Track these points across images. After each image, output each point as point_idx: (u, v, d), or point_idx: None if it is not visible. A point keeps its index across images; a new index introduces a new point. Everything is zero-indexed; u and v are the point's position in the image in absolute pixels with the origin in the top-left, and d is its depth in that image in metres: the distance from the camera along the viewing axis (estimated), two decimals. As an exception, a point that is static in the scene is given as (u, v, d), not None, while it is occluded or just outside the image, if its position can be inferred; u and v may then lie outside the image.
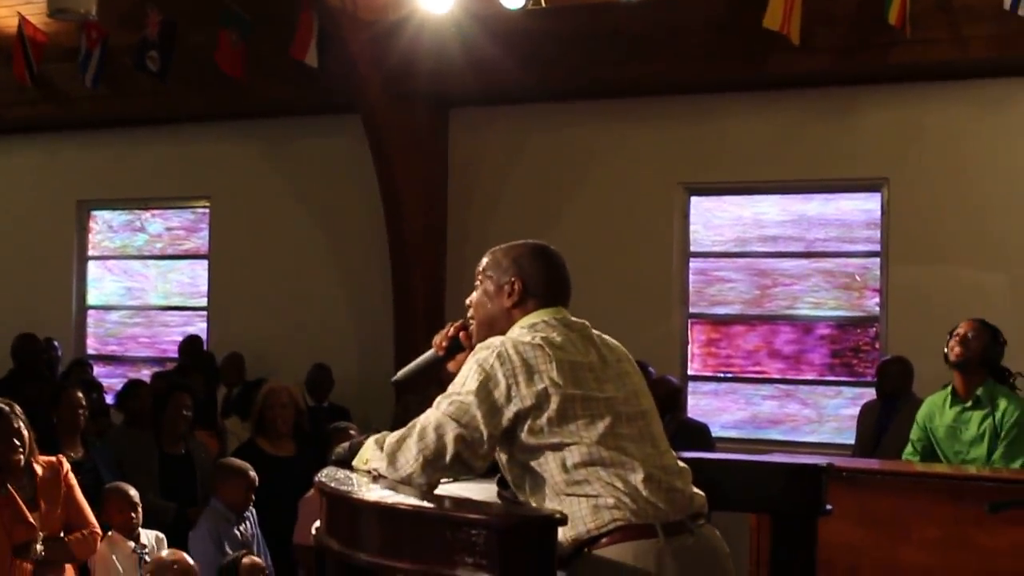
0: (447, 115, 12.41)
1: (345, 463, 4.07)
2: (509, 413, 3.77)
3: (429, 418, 3.85)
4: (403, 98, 11.70)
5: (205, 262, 13.99)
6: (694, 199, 11.61)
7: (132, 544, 7.50)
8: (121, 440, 9.39)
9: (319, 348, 12.27)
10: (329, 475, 3.93)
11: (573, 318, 4.06)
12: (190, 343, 13.06)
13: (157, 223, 14.52)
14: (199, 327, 13.89)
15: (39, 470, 7.15)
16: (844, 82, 10.83)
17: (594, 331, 4.07)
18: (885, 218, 10.86)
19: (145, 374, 13.07)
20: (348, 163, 12.52)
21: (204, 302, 13.98)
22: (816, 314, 11.25)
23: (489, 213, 12.15)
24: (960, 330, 7.76)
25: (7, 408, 7.04)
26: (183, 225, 14.33)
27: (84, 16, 11.70)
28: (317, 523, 3.98)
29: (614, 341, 4.13)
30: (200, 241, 14.11)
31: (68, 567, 7.25)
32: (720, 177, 11.47)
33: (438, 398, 3.89)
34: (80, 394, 8.73)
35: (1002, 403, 7.62)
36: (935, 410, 7.88)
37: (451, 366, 4.27)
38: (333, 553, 3.77)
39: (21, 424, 7.07)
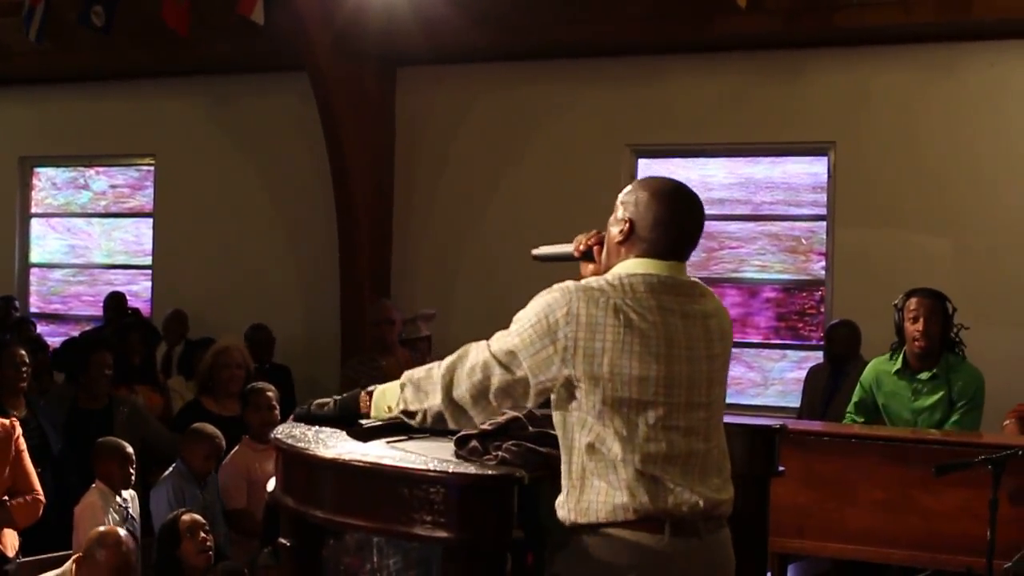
0: (395, 74, 12.35)
1: (329, 418, 4.06)
2: (557, 373, 3.69)
3: (480, 355, 3.78)
4: (351, 56, 11.63)
5: (150, 220, 13.90)
6: (641, 161, 11.61)
7: (118, 498, 7.48)
8: (64, 398, 9.33)
9: (264, 307, 12.23)
10: (285, 432, 3.90)
11: (679, 277, 3.90)
12: (113, 300, 12.97)
13: (101, 180, 14.40)
14: (143, 285, 13.83)
15: None
16: (791, 45, 10.83)
17: (696, 301, 3.90)
18: (831, 182, 10.89)
19: (85, 331, 13.01)
20: (295, 121, 12.45)
21: (148, 260, 13.90)
22: (762, 277, 11.28)
23: (436, 173, 12.13)
24: (915, 311, 7.65)
25: None
26: (127, 183, 14.23)
27: (28, -31, 11.58)
28: (271, 484, 3.97)
29: (717, 316, 3.96)
30: (145, 199, 14.01)
31: (5, 531, 7.21)
32: (667, 139, 11.47)
33: (498, 334, 3.81)
34: (23, 352, 8.64)
35: (959, 379, 7.64)
36: (881, 376, 7.88)
37: (582, 268, 4.24)
38: (289, 511, 3.76)
39: None
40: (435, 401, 3.78)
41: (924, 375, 7.68)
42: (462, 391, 3.75)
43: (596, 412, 3.67)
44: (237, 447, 8.24)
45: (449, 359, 3.81)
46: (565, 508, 3.71)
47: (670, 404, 3.73)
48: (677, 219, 3.92)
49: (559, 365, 3.67)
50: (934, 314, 7.66)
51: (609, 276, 3.84)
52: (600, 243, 4.16)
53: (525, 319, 3.74)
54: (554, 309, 3.69)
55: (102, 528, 6.63)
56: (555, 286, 3.78)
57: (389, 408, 3.92)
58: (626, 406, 3.67)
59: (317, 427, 4.00)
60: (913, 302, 7.71)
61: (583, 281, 3.82)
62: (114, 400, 9.16)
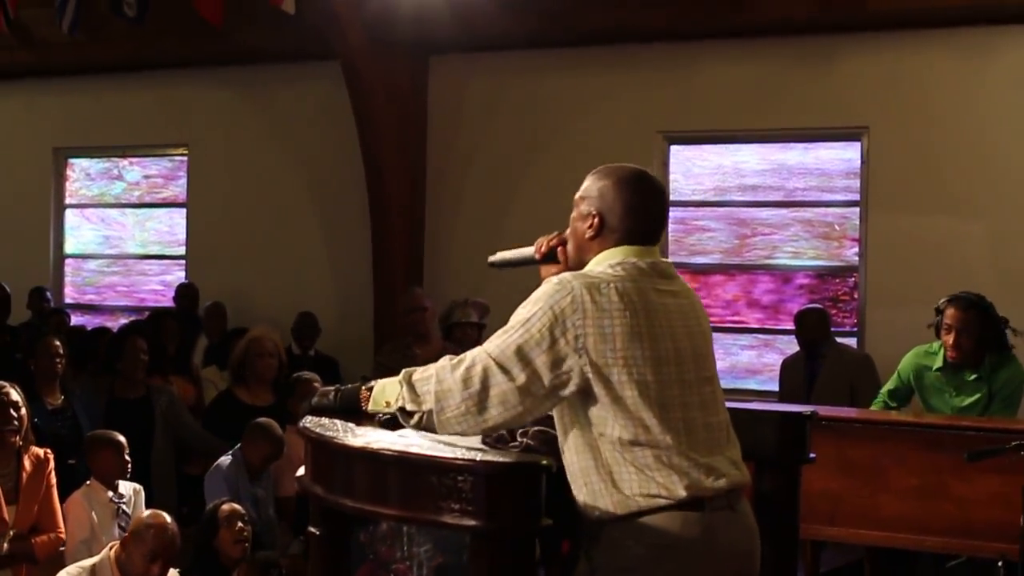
0: (427, 62, 12.36)
1: (333, 410, 4.00)
2: (573, 365, 3.64)
3: (476, 361, 3.67)
4: (383, 45, 11.63)
5: (183, 210, 13.94)
6: (673, 148, 11.60)
7: (110, 493, 7.48)
8: (99, 387, 9.38)
9: (298, 297, 12.26)
10: (313, 421, 3.91)
11: (658, 260, 3.92)
12: (186, 289, 12.98)
13: (135, 171, 14.45)
14: (177, 276, 13.85)
15: (27, 464, 7.09)
16: (824, 30, 10.80)
17: (676, 282, 3.94)
18: (865, 167, 10.85)
19: (123, 322, 13.06)
20: (327, 110, 12.46)
21: (182, 251, 13.94)
22: (795, 264, 11.25)
23: (468, 161, 12.14)
24: (950, 322, 7.63)
25: (5, 386, 7.02)
26: (161, 173, 14.27)
27: (61, -38, 11.61)
28: (300, 471, 3.98)
29: (693, 294, 4.01)
30: (178, 189, 14.05)
31: (25, 568, 7.21)
32: (699, 126, 11.45)
33: (496, 335, 3.72)
34: (57, 342, 8.70)
35: (1000, 376, 7.62)
36: (924, 370, 7.85)
37: (543, 271, 4.18)
38: (318, 500, 3.77)
39: (19, 402, 7.05)
40: (427, 407, 3.71)
41: (968, 375, 7.66)
42: (454, 401, 3.67)
43: (614, 400, 3.66)
44: (285, 434, 8.20)
45: (446, 363, 3.74)
46: (600, 506, 3.69)
47: (684, 381, 3.76)
48: (646, 203, 3.96)
49: (574, 357, 3.64)
50: (967, 327, 7.60)
51: (598, 265, 3.86)
52: (563, 243, 4.15)
53: (528, 315, 3.68)
54: (558, 300, 3.67)
55: (147, 512, 6.70)
56: (551, 279, 3.78)
57: (388, 403, 3.85)
58: (644, 388, 3.66)
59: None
60: (949, 313, 7.66)
61: (577, 272, 3.82)
62: (152, 390, 9.18)
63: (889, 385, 8.07)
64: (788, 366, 10.04)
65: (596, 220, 3.91)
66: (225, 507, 7.07)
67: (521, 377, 3.63)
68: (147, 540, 6.39)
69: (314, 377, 8.72)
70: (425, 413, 3.71)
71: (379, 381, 3.93)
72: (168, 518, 6.57)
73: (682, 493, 3.66)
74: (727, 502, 3.77)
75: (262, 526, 7.73)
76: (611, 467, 3.68)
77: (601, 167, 4.08)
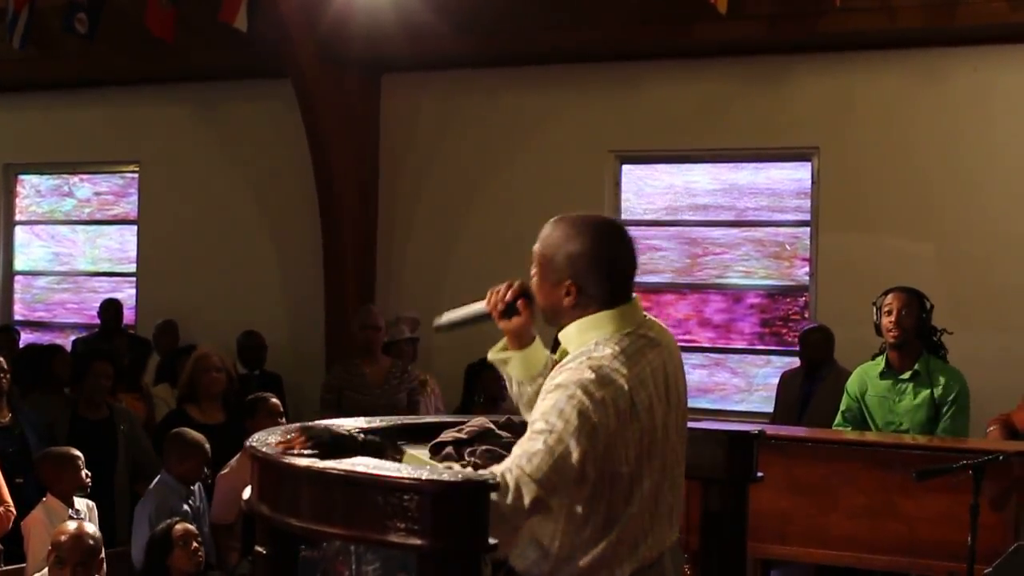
0: (379, 80, 12.35)
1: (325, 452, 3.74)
2: (594, 474, 3.61)
3: (525, 493, 3.52)
4: (335, 63, 11.64)
5: (134, 227, 13.88)
6: (625, 167, 11.62)
7: (69, 510, 7.44)
8: (48, 405, 9.34)
9: (249, 314, 12.22)
10: (260, 440, 3.89)
11: (643, 319, 3.86)
12: (111, 306, 12.93)
13: (85, 188, 14.38)
14: (128, 293, 13.78)
15: None
16: (774, 51, 10.86)
17: (663, 342, 3.86)
18: (815, 187, 10.90)
19: (72, 339, 13.01)
20: (279, 128, 12.44)
21: (133, 268, 13.88)
22: (746, 283, 11.29)
23: (421, 179, 12.14)
24: (890, 305, 7.81)
25: None
26: (112, 190, 14.21)
27: (11, -23, 11.58)
28: (247, 492, 3.95)
29: (672, 341, 3.93)
30: (129, 206, 13.99)
31: None
32: (651, 145, 11.48)
33: (532, 443, 3.59)
34: (1, 359, 8.65)
35: (941, 378, 7.72)
36: (867, 380, 7.96)
37: (502, 325, 4.03)
38: (265, 519, 3.75)
39: None
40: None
41: (905, 374, 7.75)
42: (512, 519, 3.57)
43: (609, 491, 3.66)
44: (237, 458, 8.13)
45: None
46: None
47: (667, 465, 3.80)
48: (620, 261, 3.87)
49: (599, 464, 3.61)
50: (907, 307, 7.80)
51: (590, 338, 3.78)
52: (524, 296, 3.98)
53: (562, 428, 3.57)
54: (585, 405, 3.58)
55: (67, 524, 6.67)
56: (570, 383, 3.63)
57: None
58: (632, 481, 3.69)
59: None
60: (888, 297, 7.88)
61: (595, 370, 3.66)
62: (114, 412, 9.17)
63: (841, 406, 8.12)
64: (786, 380, 10.03)
65: (574, 290, 3.80)
66: (179, 527, 7.03)
67: (560, 495, 3.60)
68: (64, 550, 6.38)
69: (271, 396, 8.68)
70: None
71: (408, 455, 3.86)
72: (89, 528, 6.57)
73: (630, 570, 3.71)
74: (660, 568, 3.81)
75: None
76: (570, 539, 3.70)
77: (560, 220, 3.91)
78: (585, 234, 3.82)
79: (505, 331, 4.03)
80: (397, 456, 3.85)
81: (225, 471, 8.15)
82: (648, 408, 3.70)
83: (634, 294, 3.89)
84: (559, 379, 3.67)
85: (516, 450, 3.62)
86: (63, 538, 6.42)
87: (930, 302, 7.87)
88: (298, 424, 3.89)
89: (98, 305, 13.08)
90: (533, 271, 3.91)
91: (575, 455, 3.54)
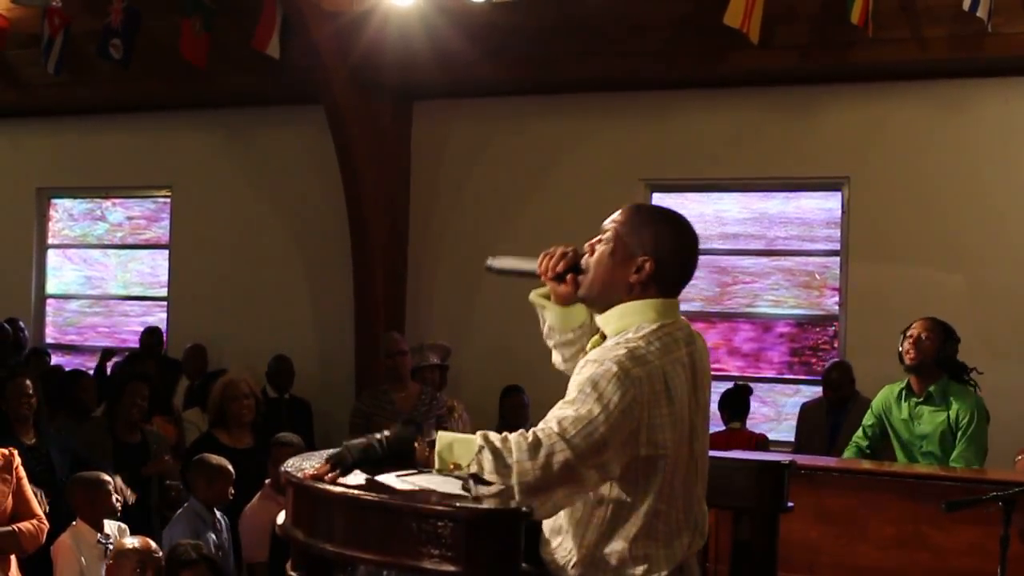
0: (411, 108, 12.40)
1: (379, 460, 3.75)
2: (631, 457, 3.60)
3: (556, 449, 3.50)
4: (367, 90, 11.69)
5: (166, 252, 13.95)
6: (656, 196, 11.63)
7: (98, 535, 7.46)
8: (69, 429, 9.40)
9: (279, 340, 12.25)
10: (295, 465, 3.92)
11: (680, 318, 3.88)
12: (154, 333, 13.01)
13: (118, 212, 14.47)
14: (159, 317, 13.85)
15: None
16: (806, 81, 10.87)
17: (697, 342, 3.89)
18: (845, 217, 10.91)
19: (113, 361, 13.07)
20: (311, 154, 12.50)
21: (164, 292, 13.94)
22: (775, 312, 11.29)
23: (451, 206, 12.17)
24: (913, 331, 7.84)
25: None
26: (144, 214, 14.29)
27: (47, 2, 11.71)
28: (280, 517, 3.97)
29: (704, 346, 3.95)
30: (161, 231, 14.07)
31: (11, 557, 7.24)
32: (681, 174, 11.51)
33: (569, 409, 3.57)
34: (28, 382, 8.71)
35: (955, 403, 7.73)
36: (891, 401, 8.01)
37: (551, 286, 4.00)
38: (299, 544, 3.77)
39: None
40: (511, 483, 3.52)
41: (921, 397, 7.80)
42: (531, 482, 3.52)
43: (645, 482, 3.65)
44: (259, 496, 8.18)
45: (522, 441, 3.54)
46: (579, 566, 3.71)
47: (694, 468, 3.77)
48: (694, 256, 3.92)
49: (636, 448, 3.60)
50: (929, 332, 7.82)
51: (631, 321, 3.78)
52: (575, 270, 3.94)
53: (603, 398, 3.55)
54: (628, 388, 3.56)
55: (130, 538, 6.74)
56: (606, 359, 3.63)
57: (456, 465, 3.63)
58: (665, 468, 3.66)
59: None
60: (914, 324, 7.91)
61: (632, 349, 3.66)
62: (147, 435, 9.20)
63: (864, 421, 8.16)
64: (808, 412, 10.05)
65: (649, 267, 3.79)
66: (182, 550, 7.07)
67: (594, 474, 3.57)
68: (131, 559, 6.43)
69: (293, 438, 8.69)
70: (505, 488, 3.53)
71: (440, 435, 3.72)
72: (152, 543, 6.62)
73: (668, 562, 3.68)
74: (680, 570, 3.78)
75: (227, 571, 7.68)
76: (601, 528, 3.68)
77: (642, 205, 3.98)
78: (676, 222, 3.90)
79: (551, 290, 4.02)
80: (428, 441, 3.80)
81: (247, 511, 8.18)
82: (681, 398, 3.68)
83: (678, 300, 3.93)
84: (593, 355, 3.69)
85: (549, 416, 3.62)
86: (135, 554, 6.51)
87: (958, 336, 7.85)
88: (321, 455, 3.88)
89: (136, 330, 13.15)
90: (599, 246, 3.88)
91: (607, 426, 3.53)
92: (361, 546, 3.53)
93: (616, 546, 3.67)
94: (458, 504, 3.33)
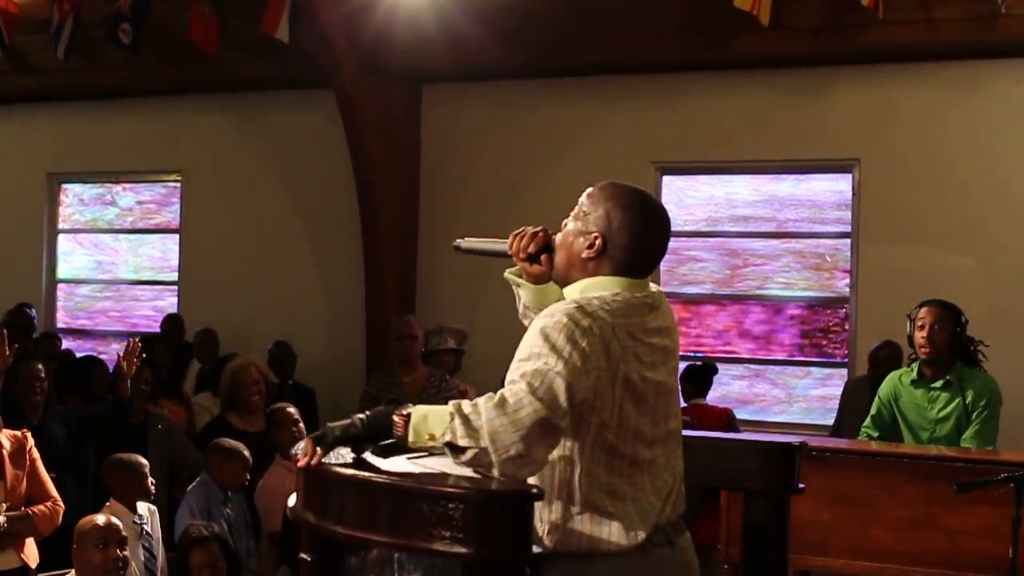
0: (420, 91, 12.38)
1: (361, 439, 3.77)
2: (598, 406, 3.61)
3: (525, 403, 3.51)
4: (377, 74, 11.67)
5: (176, 236, 13.96)
6: (666, 178, 11.62)
7: (133, 516, 7.48)
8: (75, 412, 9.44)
9: (289, 323, 12.27)
10: (303, 448, 3.91)
11: (649, 292, 3.87)
12: (172, 322, 13.01)
13: (128, 196, 14.47)
14: (169, 301, 13.87)
15: (5, 442, 7.19)
16: (816, 63, 10.85)
17: (664, 316, 3.87)
18: (856, 199, 10.88)
19: (115, 348, 13.04)
20: (320, 138, 12.49)
21: (175, 276, 13.95)
22: (786, 294, 11.27)
23: (461, 190, 12.16)
24: (923, 319, 7.76)
25: None
26: (154, 199, 14.29)
27: (56, -13, 11.66)
28: (291, 500, 3.98)
29: (675, 330, 3.95)
30: (171, 215, 14.07)
31: (27, 542, 7.27)
32: (692, 156, 11.48)
33: (531, 360, 3.61)
34: (40, 366, 8.75)
35: (970, 387, 7.68)
36: (899, 387, 7.96)
37: (523, 267, 4.09)
38: (310, 526, 3.77)
39: None
40: (483, 444, 3.52)
41: (937, 383, 7.73)
42: (506, 442, 3.51)
43: (600, 443, 3.66)
44: (271, 467, 8.26)
45: (488, 402, 3.57)
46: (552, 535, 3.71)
47: (655, 420, 3.77)
48: (650, 235, 3.90)
49: (599, 395, 3.60)
50: (940, 322, 7.74)
51: (588, 292, 3.81)
52: (546, 250, 4.03)
53: (562, 347, 3.59)
54: (586, 336, 3.60)
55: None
56: (556, 311, 3.68)
57: (432, 436, 3.62)
58: (629, 434, 3.69)
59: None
60: (922, 311, 7.82)
61: (581, 304, 3.71)
62: (150, 416, 9.21)
63: (872, 411, 8.12)
64: (851, 389, 9.99)
65: (599, 242, 3.84)
66: (193, 529, 7.11)
67: (566, 418, 3.56)
68: (92, 537, 6.45)
69: (286, 404, 8.76)
70: (480, 451, 3.53)
71: (416, 408, 3.71)
72: (114, 519, 6.66)
73: (624, 542, 3.68)
74: (667, 537, 3.78)
75: (239, 550, 7.71)
76: (580, 510, 3.69)
77: (608, 184, 3.99)
78: (626, 198, 3.90)
79: (524, 270, 4.08)
80: (406, 413, 3.71)
81: (261, 484, 8.25)
82: (635, 356, 3.69)
83: (652, 285, 3.94)
84: (544, 312, 3.73)
85: (510, 374, 3.65)
86: (93, 528, 6.52)
87: (965, 317, 7.83)
88: (305, 439, 3.89)
89: (146, 314, 13.17)
90: (567, 223, 3.99)
91: (569, 374, 3.54)
92: (372, 528, 3.54)
93: (579, 508, 3.67)
94: (469, 486, 3.33)
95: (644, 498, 3.71)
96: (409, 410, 3.69)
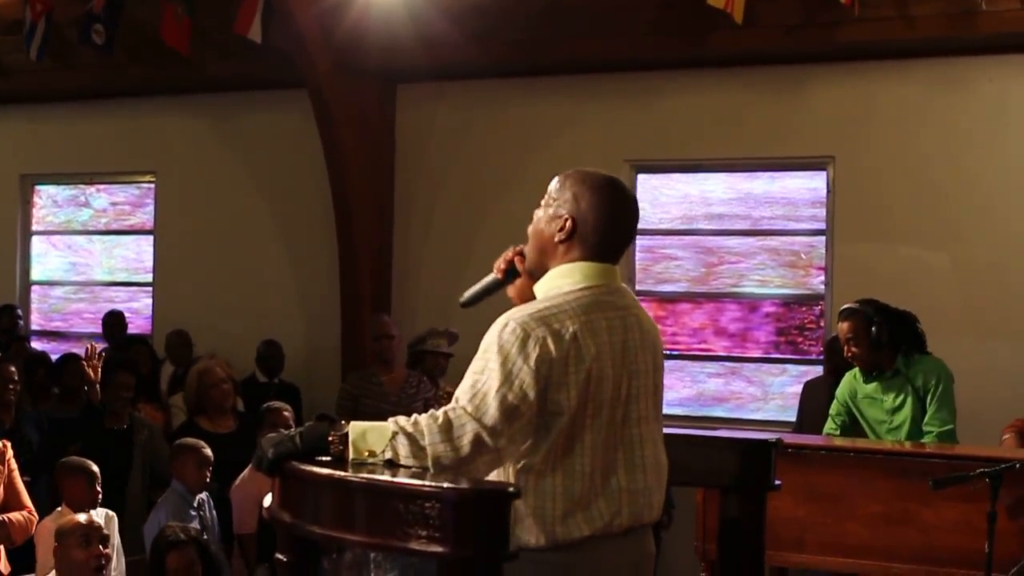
0: (395, 90, 12.37)
1: (297, 455, 3.74)
2: (527, 413, 3.64)
3: (467, 429, 3.60)
4: (350, 73, 11.65)
5: (150, 237, 13.91)
6: (640, 176, 11.62)
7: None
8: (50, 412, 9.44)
9: (266, 324, 12.24)
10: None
11: (615, 285, 3.91)
12: (112, 318, 13.00)
13: (102, 198, 14.42)
14: (144, 303, 13.83)
15: None
16: (791, 60, 10.85)
17: (631, 311, 3.91)
18: (831, 197, 10.89)
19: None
20: (295, 138, 12.47)
21: (149, 278, 13.90)
22: (761, 292, 11.27)
23: (436, 189, 12.15)
24: (842, 334, 8.00)
25: None
26: (128, 200, 14.24)
27: (28, -12, 11.63)
28: (267, 500, 3.97)
29: (648, 321, 3.99)
30: (145, 216, 14.02)
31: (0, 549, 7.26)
32: (666, 155, 11.48)
33: (471, 383, 3.68)
34: (12, 368, 8.75)
35: (920, 371, 7.78)
36: (855, 385, 8.09)
37: (510, 291, 4.15)
38: (286, 527, 3.76)
39: None
40: (427, 463, 3.62)
41: (886, 375, 7.89)
42: (446, 462, 3.61)
43: (545, 449, 3.70)
44: (249, 469, 8.22)
45: (431, 421, 3.64)
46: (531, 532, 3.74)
47: (614, 426, 3.79)
48: (620, 219, 3.94)
49: (543, 407, 3.66)
50: (854, 334, 7.93)
51: (555, 282, 3.86)
52: (521, 255, 4.10)
53: (506, 366, 3.64)
54: (529, 348, 3.64)
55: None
56: (510, 320, 3.72)
57: (371, 452, 3.67)
58: (576, 441, 3.71)
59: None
60: (839, 326, 8.05)
61: (538, 310, 3.75)
62: (134, 422, 9.20)
63: (831, 411, 8.20)
64: (810, 389, 10.02)
65: (568, 224, 3.88)
66: (169, 532, 7.10)
67: (503, 440, 3.63)
68: (74, 534, 6.44)
69: (283, 407, 8.75)
70: (421, 469, 3.61)
71: (353, 425, 3.74)
72: (95, 518, 6.67)
73: (587, 532, 3.73)
74: (630, 532, 3.83)
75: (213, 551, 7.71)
76: (535, 495, 3.73)
77: (574, 171, 4.03)
78: (595, 181, 3.96)
79: (512, 294, 4.13)
80: (341, 435, 3.73)
81: (238, 483, 8.22)
82: (596, 358, 3.71)
83: (616, 268, 3.97)
84: (500, 318, 3.76)
85: (459, 389, 3.71)
86: (75, 526, 6.51)
87: (889, 309, 7.94)
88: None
89: (128, 314, 13.21)
90: (538, 212, 4.05)
91: (514, 394, 3.60)
92: (349, 528, 3.53)
93: (536, 510, 3.72)
94: (447, 485, 3.33)
95: (594, 505, 3.74)
96: (345, 428, 3.73)
